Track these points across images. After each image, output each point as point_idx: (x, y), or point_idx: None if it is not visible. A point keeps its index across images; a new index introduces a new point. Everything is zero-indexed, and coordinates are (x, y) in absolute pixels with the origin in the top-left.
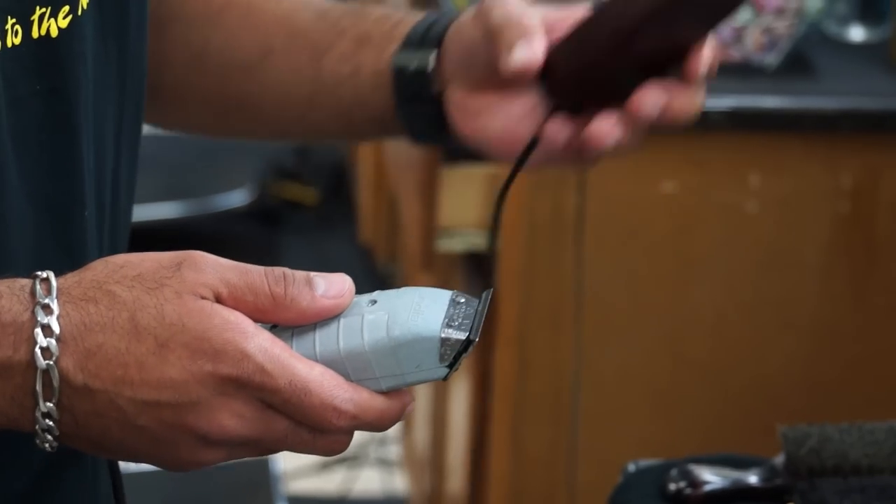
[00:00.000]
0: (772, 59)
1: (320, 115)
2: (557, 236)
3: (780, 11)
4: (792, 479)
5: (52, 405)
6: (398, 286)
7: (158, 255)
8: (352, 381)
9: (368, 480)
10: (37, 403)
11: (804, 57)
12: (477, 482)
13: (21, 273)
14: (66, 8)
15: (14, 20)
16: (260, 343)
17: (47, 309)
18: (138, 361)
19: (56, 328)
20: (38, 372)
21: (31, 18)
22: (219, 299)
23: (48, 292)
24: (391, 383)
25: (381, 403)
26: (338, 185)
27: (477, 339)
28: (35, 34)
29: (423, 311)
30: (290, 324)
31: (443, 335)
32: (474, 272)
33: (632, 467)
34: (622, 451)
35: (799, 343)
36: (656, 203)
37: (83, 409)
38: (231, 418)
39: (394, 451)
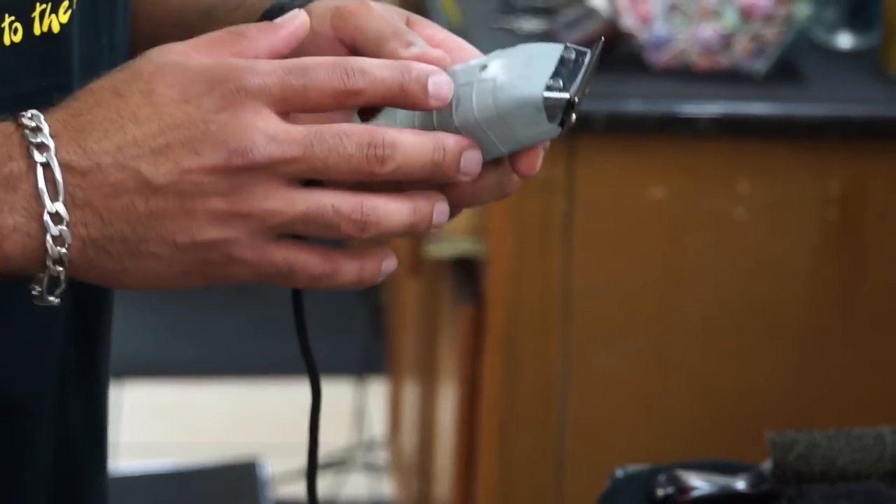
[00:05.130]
0: (760, 66)
1: None
2: (546, 241)
3: (768, 18)
4: (780, 485)
5: (59, 204)
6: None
7: None
8: None
9: (356, 485)
10: (44, 207)
11: (792, 64)
12: (464, 487)
13: None
14: (66, 3)
15: (12, 18)
16: (238, 58)
17: (32, 117)
18: (133, 117)
19: (45, 126)
20: (39, 169)
21: (32, 15)
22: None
23: (26, 111)
24: (510, 147)
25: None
26: None
27: (582, 98)
28: (37, 31)
29: (530, 74)
30: (259, 54)
31: (545, 97)
32: (463, 278)
33: (619, 473)
34: (610, 457)
35: (787, 349)
36: (645, 209)
37: (102, 194)
38: (245, 130)
39: (381, 456)
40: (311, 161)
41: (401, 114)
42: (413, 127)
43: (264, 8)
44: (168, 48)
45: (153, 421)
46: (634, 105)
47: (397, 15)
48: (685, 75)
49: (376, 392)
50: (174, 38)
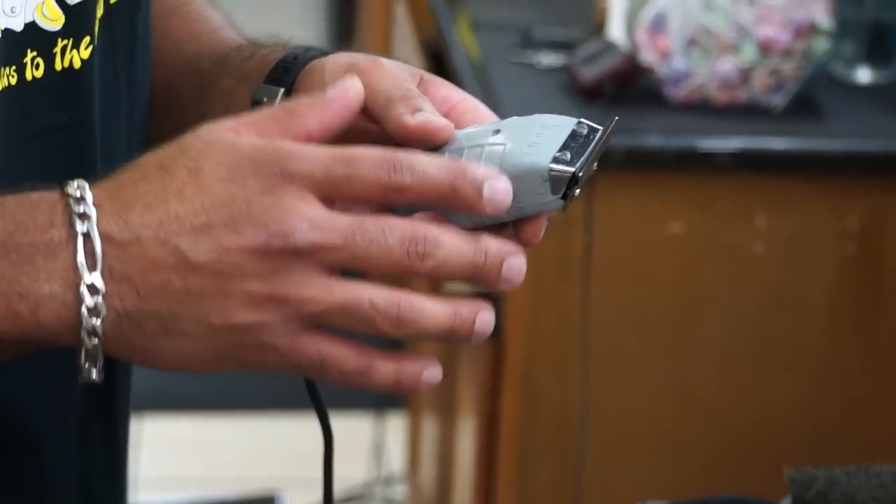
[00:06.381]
0: (779, 101)
1: None
2: (564, 276)
3: (787, 53)
4: None
5: (97, 275)
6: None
7: None
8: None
9: None
10: (81, 277)
11: (811, 99)
12: None
13: None
14: (88, 39)
15: (34, 53)
16: (289, 141)
17: (77, 187)
18: (178, 193)
19: (88, 196)
20: (79, 238)
21: (54, 51)
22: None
23: (73, 181)
24: (512, 214)
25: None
26: None
27: (588, 173)
28: (58, 66)
29: (539, 143)
30: (311, 130)
31: (551, 168)
32: None
33: None
34: (629, 491)
35: (805, 383)
36: (663, 243)
37: (140, 268)
38: (287, 214)
39: (400, 491)
40: (352, 250)
41: None
42: None
43: (278, 58)
44: (218, 125)
45: (172, 455)
46: (653, 139)
47: (410, 75)
48: (704, 110)
49: (395, 427)
50: (188, 85)
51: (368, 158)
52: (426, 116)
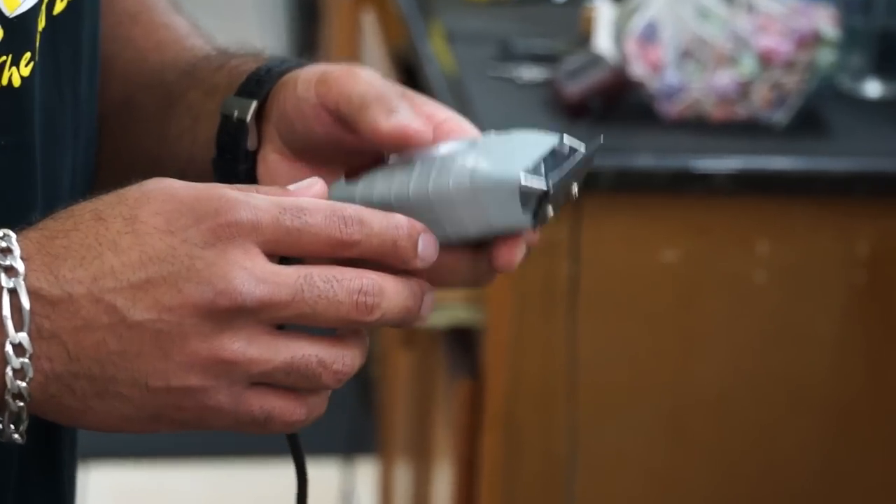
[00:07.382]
0: (781, 117)
1: (162, 172)
2: (549, 308)
3: (789, 65)
4: None
5: (24, 335)
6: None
7: None
8: (442, 224)
9: None
10: (6, 336)
11: (816, 114)
12: None
13: None
14: (28, 55)
15: None
16: (232, 189)
17: (4, 237)
18: (112, 245)
19: (16, 248)
20: (5, 294)
21: None
22: None
23: None
24: (479, 228)
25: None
26: None
27: (567, 196)
28: None
29: (514, 158)
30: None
31: (522, 184)
32: (459, 349)
33: None
34: None
35: (811, 423)
36: (656, 273)
37: (71, 327)
38: (233, 269)
39: None
40: (300, 306)
41: (378, 184)
42: (388, 197)
43: (249, 70)
44: (164, 179)
45: None
46: (644, 160)
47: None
48: (699, 127)
49: (365, 473)
50: (150, 99)
51: (319, 210)
52: (400, 120)
